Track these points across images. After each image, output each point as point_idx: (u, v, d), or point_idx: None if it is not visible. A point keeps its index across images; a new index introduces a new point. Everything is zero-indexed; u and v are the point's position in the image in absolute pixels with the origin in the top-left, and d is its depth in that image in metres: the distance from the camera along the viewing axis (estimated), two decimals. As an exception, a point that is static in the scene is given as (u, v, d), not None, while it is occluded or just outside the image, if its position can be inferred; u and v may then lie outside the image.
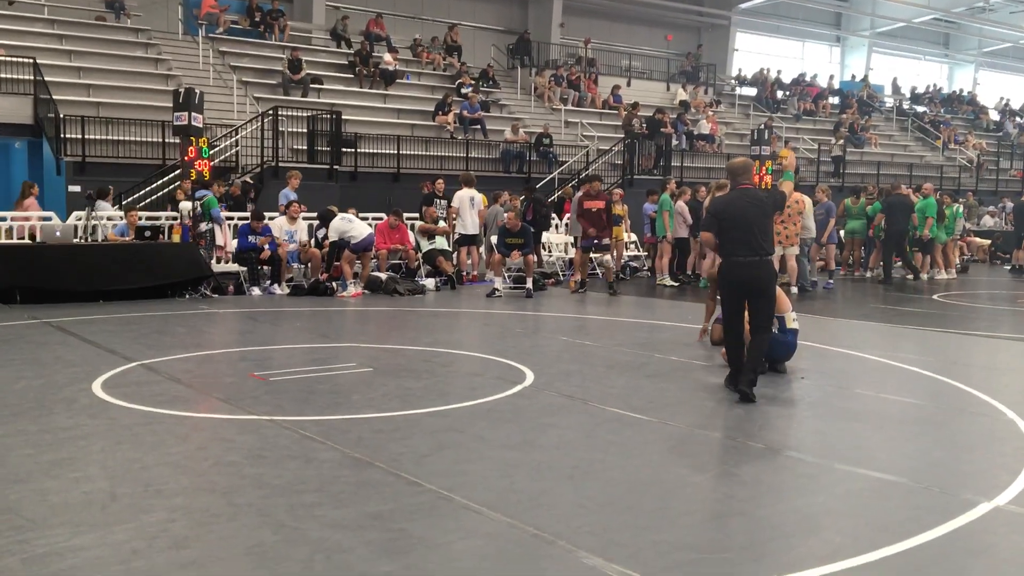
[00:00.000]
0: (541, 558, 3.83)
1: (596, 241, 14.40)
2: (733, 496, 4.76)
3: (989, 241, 24.04)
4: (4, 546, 3.83)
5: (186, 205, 13.96)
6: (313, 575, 3.62)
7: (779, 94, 33.05)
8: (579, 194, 15.22)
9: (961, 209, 19.89)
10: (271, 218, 14.47)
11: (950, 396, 7.34)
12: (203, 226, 13.81)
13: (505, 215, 15.48)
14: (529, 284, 14.06)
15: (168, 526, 4.10)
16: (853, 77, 38.33)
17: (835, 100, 34.67)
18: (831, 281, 16.10)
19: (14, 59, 17.91)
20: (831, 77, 36.65)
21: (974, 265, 22.17)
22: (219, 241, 14.05)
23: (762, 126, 23.91)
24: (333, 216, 14.06)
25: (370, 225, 14.81)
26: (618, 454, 5.44)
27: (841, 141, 28.90)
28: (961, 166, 32.69)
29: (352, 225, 13.71)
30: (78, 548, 3.82)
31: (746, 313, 7.01)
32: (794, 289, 14.38)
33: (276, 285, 13.56)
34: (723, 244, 7.00)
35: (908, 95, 38.22)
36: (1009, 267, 20.95)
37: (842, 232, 18.19)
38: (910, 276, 17.48)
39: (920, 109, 36.96)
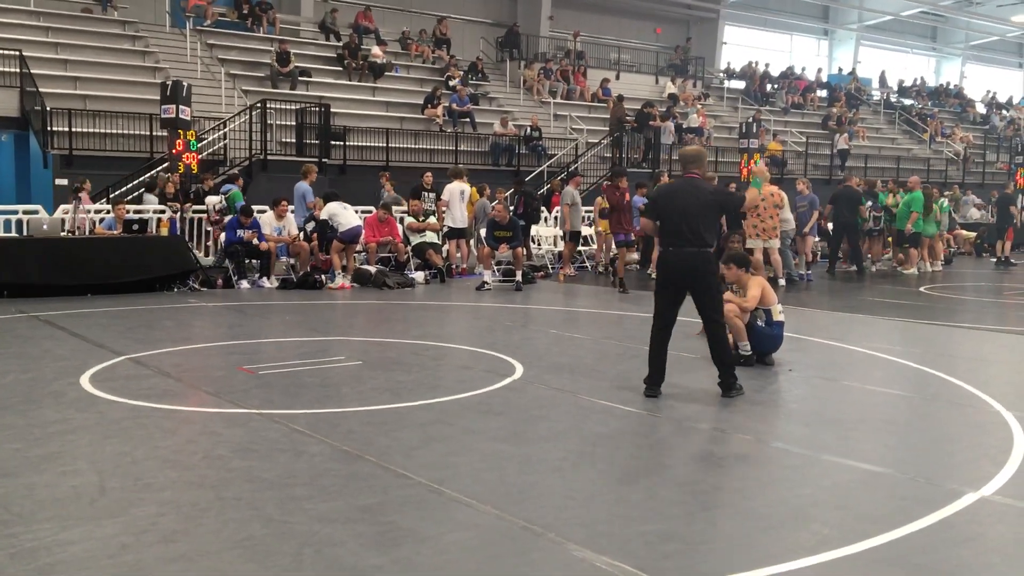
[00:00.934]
0: (530, 550, 3.85)
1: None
2: (721, 488, 4.78)
3: (975, 234, 24.14)
4: (-8, 540, 3.82)
5: (212, 199, 13.96)
6: (303, 568, 3.63)
7: (767, 87, 33.10)
8: (609, 188, 14.60)
9: (946, 203, 19.98)
10: (260, 211, 14.43)
11: (936, 388, 7.38)
12: (227, 219, 13.80)
13: (492, 205, 15.52)
14: (518, 277, 14.07)
15: (157, 520, 4.09)
16: (840, 70, 38.43)
17: (823, 93, 34.76)
18: (810, 273, 16.14)
19: (0, 52, 17.78)
20: (819, 70, 36.72)
21: (960, 258, 22.28)
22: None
23: (750, 119, 23.96)
24: (335, 198, 14.10)
25: (360, 218, 14.83)
26: (607, 446, 5.46)
27: (846, 134, 29.02)
28: (948, 159, 32.82)
29: (345, 212, 13.73)
30: (66, 542, 3.82)
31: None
32: (782, 281, 14.44)
33: (265, 278, 13.53)
34: (662, 234, 6.81)
35: (895, 88, 38.34)
36: (994, 259, 21.06)
37: (830, 224, 18.25)
38: (852, 268, 17.45)
39: (907, 102, 37.09)
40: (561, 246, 17.55)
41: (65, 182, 15.96)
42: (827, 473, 5.02)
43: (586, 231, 17.40)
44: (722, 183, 14.24)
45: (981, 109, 39.45)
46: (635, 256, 14.70)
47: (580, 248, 17.43)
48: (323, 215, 13.82)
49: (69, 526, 3.99)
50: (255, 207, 14.60)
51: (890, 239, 18.62)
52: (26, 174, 17.76)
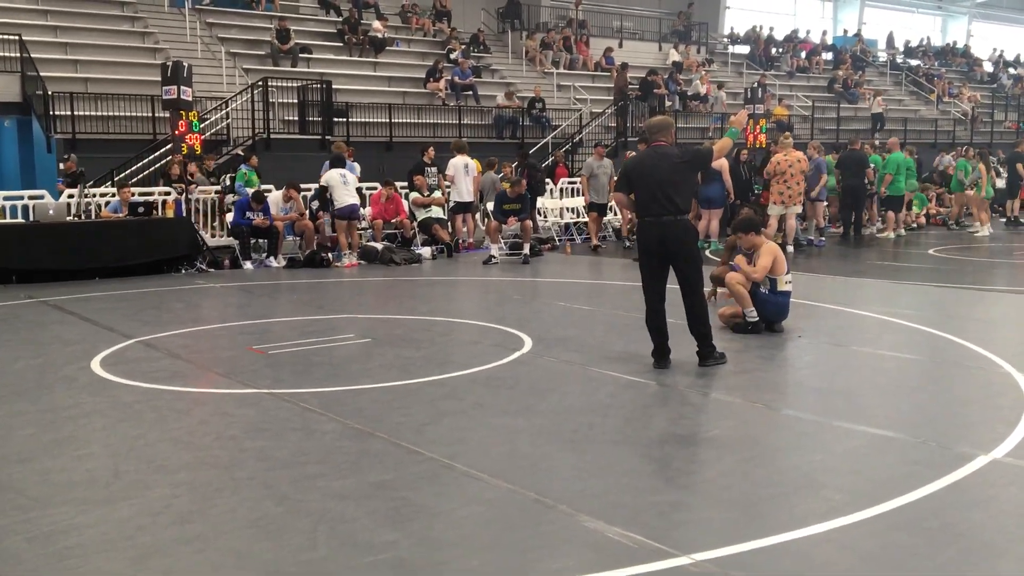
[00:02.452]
0: (543, 522, 3.86)
1: None
2: (732, 456, 4.79)
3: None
4: (9, 526, 3.85)
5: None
6: (317, 546, 3.65)
7: (772, 51, 32.79)
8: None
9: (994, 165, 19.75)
10: (267, 191, 14.41)
11: (946, 350, 7.36)
12: (229, 198, 13.80)
13: (500, 183, 15.47)
14: (526, 250, 14.04)
15: (172, 501, 4.12)
16: (845, 32, 38.04)
17: (828, 56, 34.43)
18: (823, 239, 16.10)
19: (0, 36, 17.71)
20: (824, 33, 36.35)
21: (970, 218, 22.11)
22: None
23: (755, 84, 23.77)
24: (341, 160, 14.00)
25: (356, 196, 14.77)
26: (617, 418, 5.47)
27: (880, 98, 28.86)
28: (956, 119, 32.54)
29: (342, 188, 13.54)
30: (83, 526, 3.85)
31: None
32: (790, 248, 14.39)
33: (272, 258, 13.53)
34: (637, 205, 6.80)
35: (902, 49, 37.94)
36: (1004, 219, 20.92)
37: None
38: (848, 230, 17.34)
39: (914, 63, 36.71)
40: (567, 218, 17.53)
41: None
42: (838, 439, 5.02)
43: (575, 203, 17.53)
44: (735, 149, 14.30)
45: (988, 68, 39.04)
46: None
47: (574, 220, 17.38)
48: (323, 180, 13.78)
49: (85, 509, 4.03)
50: (261, 186, 14.59)
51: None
52: (30, 159, 17.72)
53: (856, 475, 4.44)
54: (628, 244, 15.19)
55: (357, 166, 16.94)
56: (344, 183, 13.62)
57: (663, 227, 6.60)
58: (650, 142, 6.89)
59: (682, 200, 6.66)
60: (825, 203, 16.97)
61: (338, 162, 13.99)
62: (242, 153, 17.01)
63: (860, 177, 16.82)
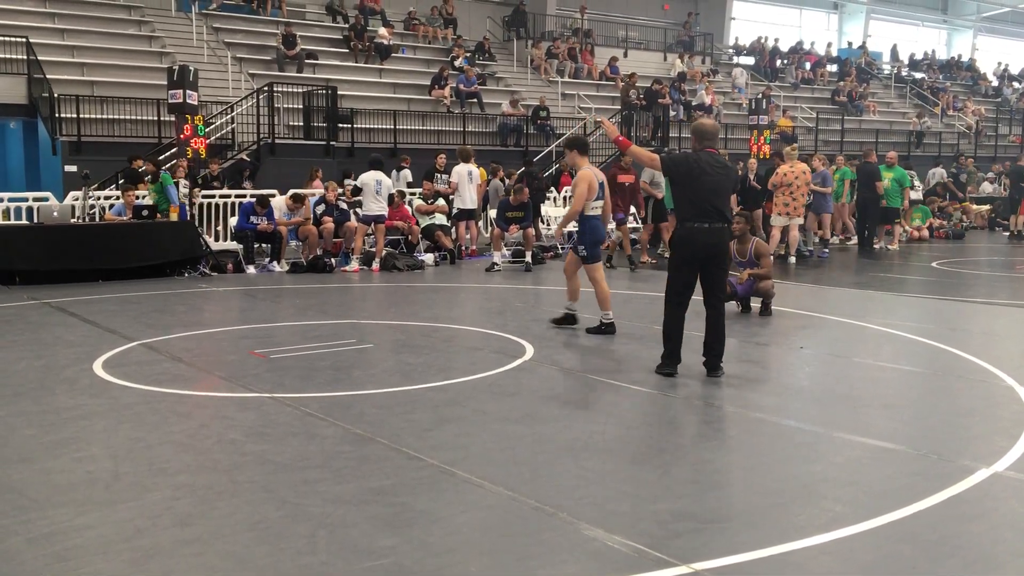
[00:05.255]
0: (543, 530, 3.86)
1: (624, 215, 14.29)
2: (733, 466, 4.79)
3: (988, 207, 23.97)
4: (8, 526, 3.85)
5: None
6: (316, 550, 3.65)
7: (777, 63, 32.84)
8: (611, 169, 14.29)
9: None
10: (271, 195, 14.43)
11: (948, 363, 7.36)
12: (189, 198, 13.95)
13: (503, 191, 15.48)
14: (528, 258, 14.06)
15: (172, 504, 4.12)
16: (850, 44, 38.10)
17: (833, 68, 34.48)
18: (826, 250, 16.12)
19: (7, 39, 17.79)
20: (829, 45, 36.42)
21: (973, 231, 22.14)
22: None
23: (760, 95, 23.81)
24: (380, 163, 14.05)
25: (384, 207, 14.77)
26: (618, 425, 5.47)
27: (917, 114, 29.02)
28: (960, 132, 32.56)
29: (376, 195, 13.67)
30: (82, 527, 3.85)
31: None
32: (792, 259, 14.42)
33: (275, 263, 13.55)
34: (684, 208, 6.63)
35: (906, 62, 37.99)
36: (1007, 233, 20.92)
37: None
38: (851, 241, 17.39)
39: (918, 76, 36.76)
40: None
41: (74, 168, 15.97)
42: (838, 450, 5.02)
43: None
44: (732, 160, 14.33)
45: (993, 81, 39.08)
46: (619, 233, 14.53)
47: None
48: (358, 181, 13.95)
49: (85, 511, 4.03)
50: (266, 191, 14.62)
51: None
52: (35, 161, 17.82)
53: (856, 486, 4.43)
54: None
55: (408, 172, 17.06)
56: (377, 190, 13.74)
57: (714, 234, 6.56)
58: (700, 148, 6.71)
59: (729, 209, 6.78)
60: (830, 215, 16.99)
61: (377, 164, 14.08)
62: (246, 158, 17.05)
63: (871, 190, 16.84)
